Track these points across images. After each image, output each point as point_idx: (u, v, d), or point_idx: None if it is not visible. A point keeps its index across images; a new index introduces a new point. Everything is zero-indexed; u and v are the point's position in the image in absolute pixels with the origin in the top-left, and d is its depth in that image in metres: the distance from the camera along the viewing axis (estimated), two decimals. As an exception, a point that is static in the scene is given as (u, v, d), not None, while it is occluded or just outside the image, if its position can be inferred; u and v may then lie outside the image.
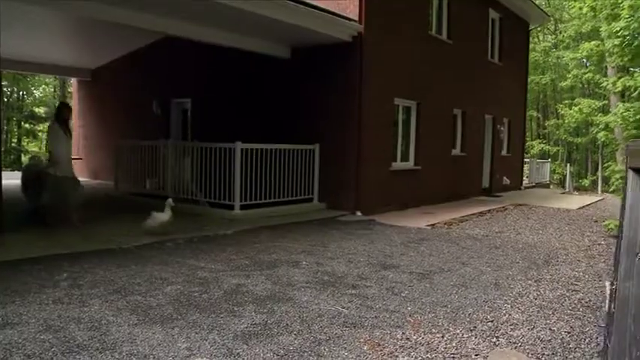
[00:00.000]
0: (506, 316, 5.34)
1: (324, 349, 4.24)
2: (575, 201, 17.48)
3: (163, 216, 8.46)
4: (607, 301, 4.70)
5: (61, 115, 9.31)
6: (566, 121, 30.22)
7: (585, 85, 31.90)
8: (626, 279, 1.25)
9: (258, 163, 10.70)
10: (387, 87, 12.38)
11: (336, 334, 4.58)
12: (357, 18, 11.39)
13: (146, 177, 12.62)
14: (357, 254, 7.80)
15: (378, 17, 11.83)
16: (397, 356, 4.20)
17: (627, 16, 12.03)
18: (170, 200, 8.62)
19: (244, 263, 6.96)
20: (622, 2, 12.21)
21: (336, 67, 11.70)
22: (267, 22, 9.82)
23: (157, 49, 14.97)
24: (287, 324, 4.75)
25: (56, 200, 9.08)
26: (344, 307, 5.31)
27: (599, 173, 30.80)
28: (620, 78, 14.39)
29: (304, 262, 7.15)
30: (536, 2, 21.10)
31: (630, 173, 1.27)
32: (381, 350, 4.30)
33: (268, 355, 4.08)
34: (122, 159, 13.41)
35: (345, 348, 4.29)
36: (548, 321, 5.25)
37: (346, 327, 4.76)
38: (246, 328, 4.61)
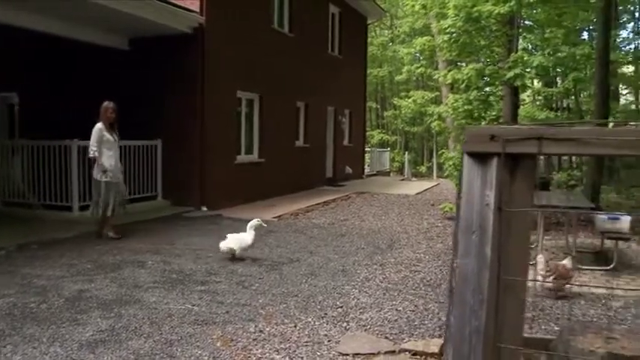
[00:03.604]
0: (355, 300, 5.56)
1: (177, 350, 4.15)
2: (414, 187, 18.55)
3: (246, 238, 7.24)
4: (449, 278, 5.00)
5: (105, 116, 8.42)
6: (403, 112, 31.92)
7: (419, 78, 33.84)
8: (465, 256, 1.36)
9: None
10: (230, 80, 12.29)
11: (187, 332, 4.50)
12: (198, 9, 11.18)
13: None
14: (205, 250, 7.71)
15: (220, 9, 11.70)
16: (251, 349, 4.21)
17: (453, 15, 12.96)
18: (255, 221, 7.41)
19: (87, 267, 6.60)
20: (448, 2, 13.12)
21: (177, 60, 11.40)
22: (97, 10, 9.21)
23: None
24: (136, 327, 4.59)
25: (109, 207, 8.41)
26: (194, 305, 5.23)
27: (434, 160, 32.90)
28: (449, 71, 15.45)
29: (150, 262, 6.94)
30: (373, -2, 22.06)
31: (465, 157, 1.39)
32: (235, 345, 4.29)
33: (117, 361, 3.91)
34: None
35: (198, 346, 4.23)
36: (394, 302, 5.54)
37: (198, 325, 4.70)
38: (92, 335, 4.38)
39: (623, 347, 2.90)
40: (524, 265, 1.32)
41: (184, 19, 10.95)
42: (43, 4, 9.12)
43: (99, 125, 8.40)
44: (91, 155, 8.36)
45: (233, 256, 7.22)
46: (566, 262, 6.10)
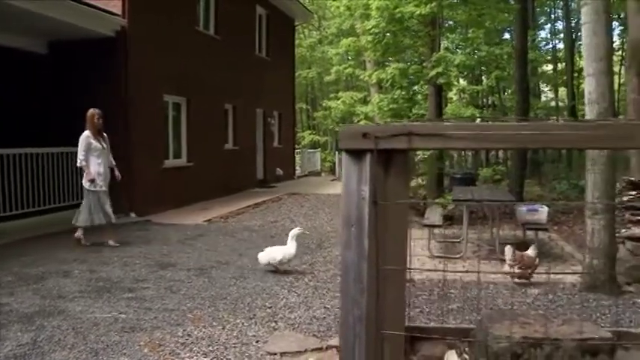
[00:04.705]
0: (284, 300, 5.62)
1: (102, 359, 4.10)
2: (344, 186, 18.73)
3: (289, 249, 6.77)
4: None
5: (92, 122, 8.19)
6: (333, 113, 32.17)
7: (348, 78, 34.18)
8: (346, 248, 1.44)
9: (16, 170, 9.80)
10: (156, 84, 12.11)
11: (114, 341, 4.45)
12: (120, 12, 10.96)
13: None
14: (133, 257, 7.59)
15: (144, 12, 11.49)
16: (179, 354, 4.21)
17: (377, 16, 13.22)
18: (296, 230, 6.94)
19: (7, 280, 6.37)
20: (371, 4, 13.37)
21: (100, 64, 11.10)
22: (9, 10, 8.89)
23: None
24: (60, 338, 4.49)
25: (100, 218, 8.30)
26: (121, 313, 5.16)
27: (364, 159, 33.24)
28: (375, 71, 15.73)
29: (76, 271, 6.78)
30: (300, 0, 22.14)
31: (343, 154, 1.47)
32: (162, 350, 4.27)
33: (38, 374, 3.82)
34: None
35: (125, 354, 4.19)
36: (322, 300, 5.63)
37: (125, 332, 4.64)
38: (11, 351, 4.25)
39: (536, 331, 3.08)
40: (402, 255, 1.41)
41: (107, 22, 10.72)
42: None
43: (86, 133, 8.26)
44: (78, 164, 8.29)
45: (279, 267, 6.86)
46: (530, 251, 6.43)
